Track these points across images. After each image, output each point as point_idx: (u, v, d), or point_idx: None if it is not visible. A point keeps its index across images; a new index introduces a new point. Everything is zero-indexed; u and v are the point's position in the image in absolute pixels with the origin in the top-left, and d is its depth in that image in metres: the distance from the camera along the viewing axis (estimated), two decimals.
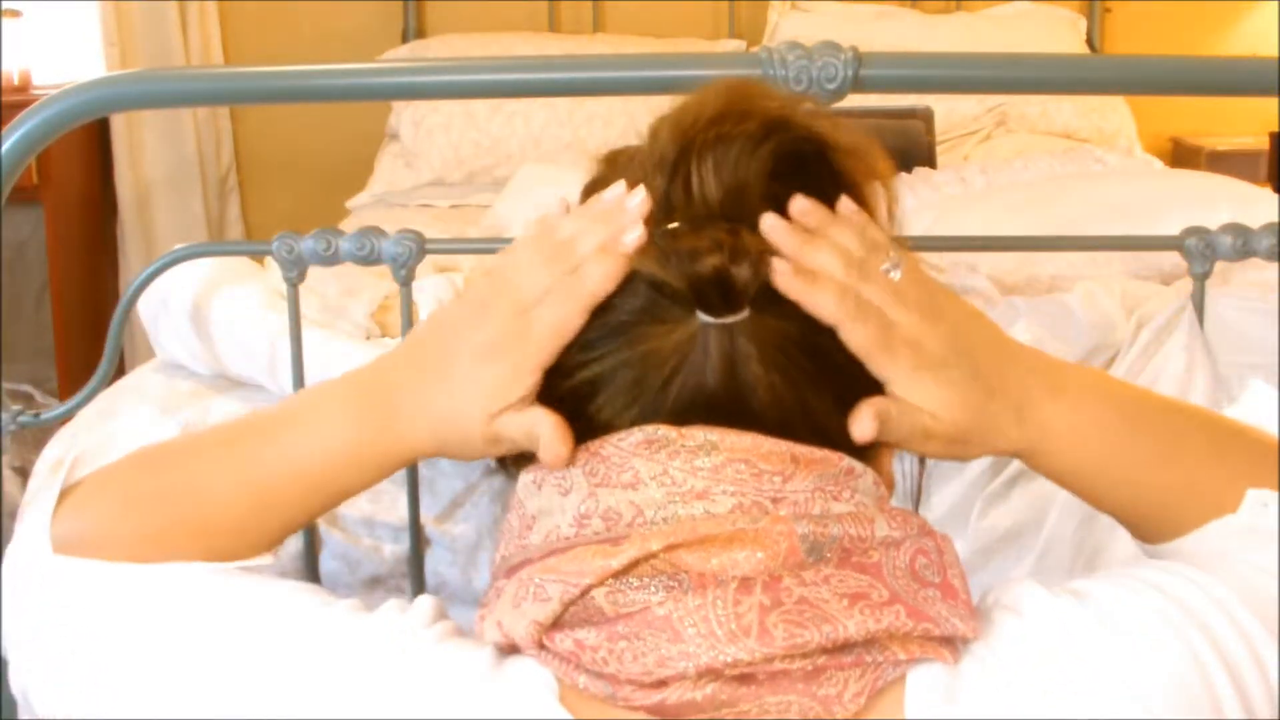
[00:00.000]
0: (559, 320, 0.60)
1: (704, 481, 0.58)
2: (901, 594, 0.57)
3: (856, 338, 0.60)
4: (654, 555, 0.56)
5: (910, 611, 0.56)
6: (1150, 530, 0.69)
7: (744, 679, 0.55)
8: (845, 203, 0.63)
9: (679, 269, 0.59)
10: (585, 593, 0.56)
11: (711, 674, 0.55)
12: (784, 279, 0.59)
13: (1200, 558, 0.64)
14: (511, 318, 0.62)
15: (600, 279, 0.60)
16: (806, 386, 0.60)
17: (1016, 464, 1.25)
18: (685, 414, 0.59)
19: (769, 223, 0.60)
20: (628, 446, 0.59)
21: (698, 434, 0.59)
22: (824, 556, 0.57)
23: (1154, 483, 0.67)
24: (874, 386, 0.63)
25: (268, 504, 0.66)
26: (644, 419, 0.60)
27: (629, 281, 0.60)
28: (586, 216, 0.62)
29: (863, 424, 0.61)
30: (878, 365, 0.61)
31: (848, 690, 0.56)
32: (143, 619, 0.62)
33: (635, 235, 0.60)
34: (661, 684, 0.55)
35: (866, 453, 0.63)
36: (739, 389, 0.59)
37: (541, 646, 0.57)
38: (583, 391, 0.61)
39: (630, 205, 0.60)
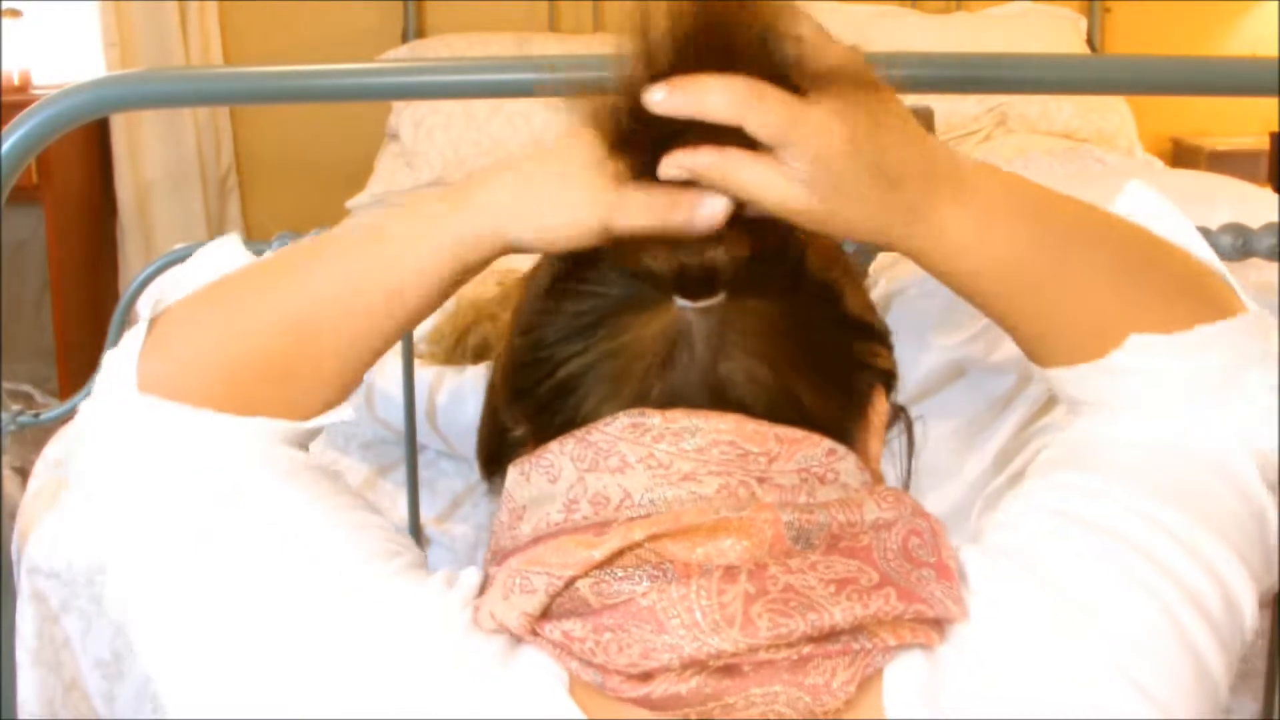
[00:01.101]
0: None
1: (690, 463, 0.58)
2: (893, 576, 0.57)
3: (757, 116, 0.58)
4: (637, 545, 0.57)
5: (901, 594, 0.56)
6: (1034, 350, 0.68)
7: (729, 670, 0.55)
8: None
9: (664, 255, 0.60)
10: (569, 584, 0.57)
11: (696, 665, 0.55)
12: (662, 97, 0.59)
13: (1092, 452, 0.64)
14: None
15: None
16: (788, 370, 0.61)
17: (1017, 464, 1.25)
18: (669, 404, 0.60)
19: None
20: (614, 431, 0.59)
21: (682, 418, 0.59)
22: (812, 544, 0.57)
23: (1047, 303, 0.65)
24: (856, 368, 0.64)
25: (326, 316, 0.65)
26: (627, 409, 0.60)
27: (608, 271, 0.61)
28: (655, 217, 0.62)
29: (671, 161, 0.59)
30: (789, 149, 0.59)
31: (835, 679, 0.55)
32: (195, 530, 0.61)
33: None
34: (647, 676, 0.55)
35: (850, 438, 0.63)
36: (721, 375, 0.60)
37: (535, 634, 0.57)
38: (566, 386, 0.62)
39: (710, 212, 0.61)
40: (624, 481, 0.59)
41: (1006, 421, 1.26)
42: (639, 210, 0.60)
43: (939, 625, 0.57)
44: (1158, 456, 0.63)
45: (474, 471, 1.24)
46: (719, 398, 0.60)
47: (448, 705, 0.56)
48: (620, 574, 0.56)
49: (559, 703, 0.56)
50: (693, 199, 0.60)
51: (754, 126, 0.58)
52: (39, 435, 1.44)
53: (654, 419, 0.59)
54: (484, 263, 0.65)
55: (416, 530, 1.23)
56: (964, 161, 0.64)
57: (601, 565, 0.57)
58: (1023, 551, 0.61)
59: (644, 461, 0.59)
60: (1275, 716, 1.24)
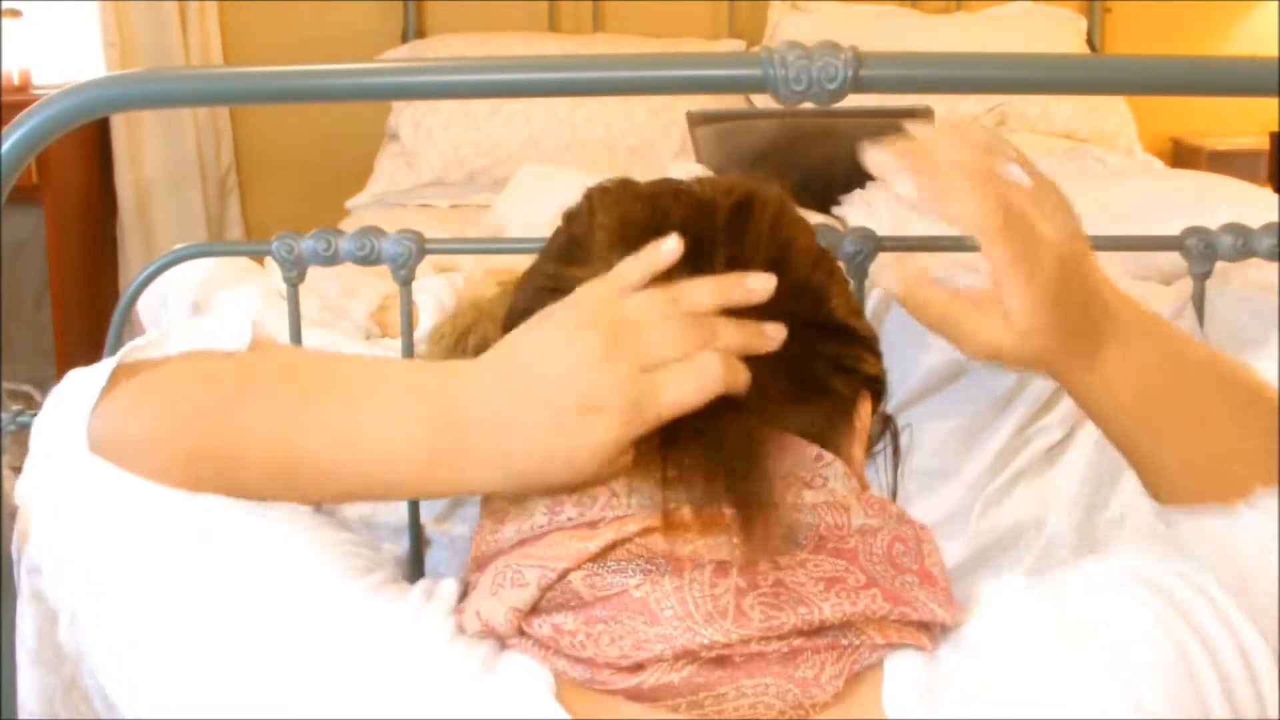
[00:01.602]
0: (683, 399, 0.57)
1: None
2: (879, 579, 0.58)
3: (997, 250, 0.60)
4: (630, 539, 0.57)
5: (887, 595, 0.57)
6: (1159, 489, 0.69)
7: (720, 662, 0.55)
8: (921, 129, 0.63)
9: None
10: (562, 577, 0.57)
11: (688, 656, 0.55)
12: (910, 189, 0.59)
13: (1196, 544, 0.64)
14: (632, 377, 0.56)
15: (743, 382, 0.58)
16: (763, 374, 0.60)
17: (1017, 464, 1.25)
18: None
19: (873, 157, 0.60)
20: None
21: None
22: (800, 543, 0.58)
23: (1174, 442, 0.67)
24: (837, 372, 0.64)
25: (297, 472, 0.60)
26: None
27: (593, 272, 0.61)
28: (720, 292, 0.60)
29: (886, 275, 0.61)
30: (1013, 280, 0.60)
31: (824, 672, 0.56)
32: (161, 560, 0.60)
33: (776, 335, 0.59)
34: (639, 667, 0.55)
35: (831, 444, 0.63)
36: None
37: (521, 633, 0.58)
38: None
39: (755, 286, 0.60)
40: (609, 482, 0.59)
41: (1006, 421, 1.26)
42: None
43: (928, 629, 0.58)
44: (1236, 561, 0.63)
45: None
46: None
47: (433, 716, 0.55)
48: (613, 567, 0.57)
49: (544, 705, 0.56)
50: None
51: (989, 253, 0.60)
52: None
53: None
54: None
55: (416, 530, 1.23)
56: (1115, 298, 0.66)
57: (595, 558, 0.57)
58: (1058, 581, 0.61)
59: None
60: (1276, 717, 1.24)
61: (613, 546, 0.57)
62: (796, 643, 0.56)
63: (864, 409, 0.67)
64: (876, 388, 0.68)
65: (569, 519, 0.59)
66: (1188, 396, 0.66)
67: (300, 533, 0.61)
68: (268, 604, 0.58)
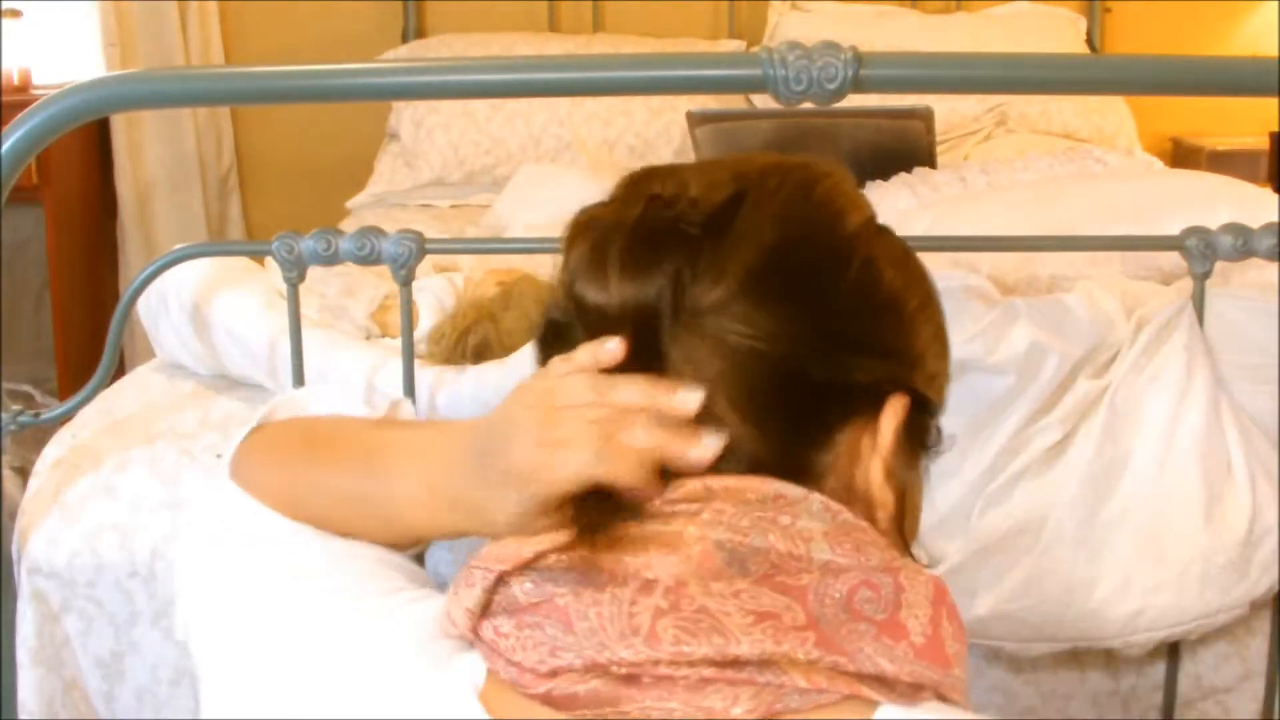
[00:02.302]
0: (561, 481, 0.58)
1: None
2: (821, 622, 0.55)
3: None
4: (563, 548, 0.58)
5: (821, 640, 0.55)
6: None
7: (628, 680, 0.55)
8: None
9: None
10: (500, 579, 0.59)
11: (597, 669, 0.56)
12: None
13: None
14: (532, 448, 0.59)
15: (633, 478, 0.58)
16: (724, 407, 0.59)
17: (1017, 464, 1.25)
18: None
19: None
20: None
21: None
22: (748, 569, 0.56)
23: None
24: (833, 391, 0.61)
25: (349, 519, 0.71)
26: None
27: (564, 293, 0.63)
28: (647, 395, 0.59)
29: None
30: None
31: (737, 705, 0.54)
32: (249, 559, 0.72)
33: (708, 449, 0.58)
34: (553, 674, 0.56)
35: (813, 470, 0.61)
36: None
37: (477, 635, 0.59)
38: None
39: (682, 402, 0.58)
40: None
41: (1006, 421, 1.26)
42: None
43: (886, 684, 0.56)
44: None
45: None
46: None
47: (377, 712, 0.60)
48: (549, 575, 0.58)
49: (465, 704, 0.58)
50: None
51: None
52: (39, 435, 1.44)
53: None
54: None
55: None
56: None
57: (531, 563, 0.58)
58: None
59: None
60: (1275, 717, 1.24)
61: (547, 553, 0.58)
62: (707, 672, 0.54)
63: (886, 421, 0.62)
64: (911, 394, 0.63)
65: None
66: None
67: (333, 546, 0.71)
68: (301, 602, 0.67)
